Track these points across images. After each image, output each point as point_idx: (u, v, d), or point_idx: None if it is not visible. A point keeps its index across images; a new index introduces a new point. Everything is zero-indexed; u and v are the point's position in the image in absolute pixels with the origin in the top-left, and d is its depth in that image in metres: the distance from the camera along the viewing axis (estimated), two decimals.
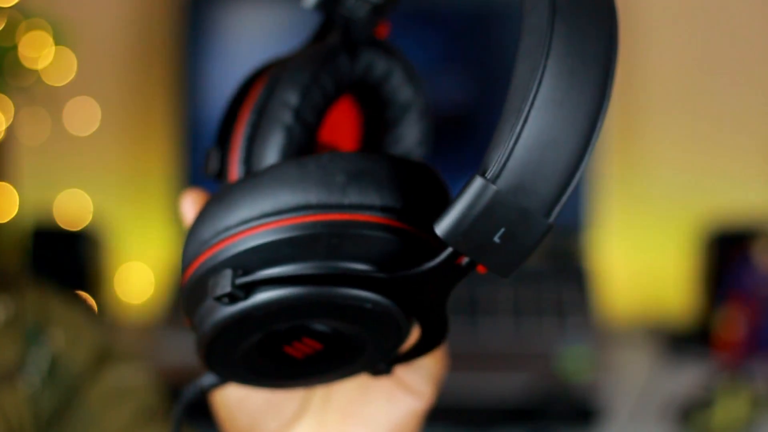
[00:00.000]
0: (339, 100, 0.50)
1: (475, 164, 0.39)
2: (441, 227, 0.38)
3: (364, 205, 0.41)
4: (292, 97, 0.47)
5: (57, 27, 1.35)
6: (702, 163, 1.57)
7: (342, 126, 0.52)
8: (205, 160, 0.49)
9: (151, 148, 1.57)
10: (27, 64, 1.34)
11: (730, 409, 1.29)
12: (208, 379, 0.49)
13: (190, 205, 0.49)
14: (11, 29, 1.32)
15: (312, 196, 0.41)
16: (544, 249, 1.51)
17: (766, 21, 1.56)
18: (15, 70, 1.33)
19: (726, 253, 1.47)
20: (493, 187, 0.37)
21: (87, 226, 1.50)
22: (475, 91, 1.50)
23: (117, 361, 0.82)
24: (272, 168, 0.43)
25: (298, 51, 0.50)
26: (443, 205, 0.42)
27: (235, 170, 0.48)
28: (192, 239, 0.43)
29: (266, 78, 0.49)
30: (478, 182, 0.37)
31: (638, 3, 1.55)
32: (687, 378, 1.38)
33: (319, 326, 0.44)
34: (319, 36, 0.52)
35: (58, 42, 1.35)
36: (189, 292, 0.43)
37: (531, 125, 0.37)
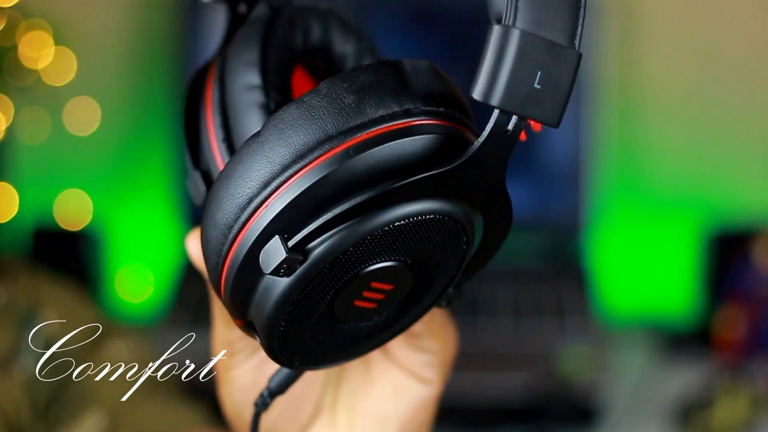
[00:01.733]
0: (294, 73, 0.47)
1: None
2: (479, 91, 0.36)
3: (385, 115, 0.39)
4: (253, 78, 0.44)
5: (57, 27, 1.35)
6: (702, 164, 1.57)
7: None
8: (191, 191, 0.46)
9: (151, 148, 1.57)
10: (27, 64, 1.34)
11: (730, 409, 1.29)
12: (275, 380, 0.46)
13: (196, 242, 0.46)
14: (11, 29, 1.32)
15: (329, 127, 0.38)
16: (544, 249, 1.51)
17: (766, 21, 1.56)
18: (15, 70, 1.33)
19: (726, 253, 1.47)
20: (516, 30, 0.36)
21: (87, 226, 1.50)
22: None
23: (113, 337, 0.82)
24: (269, 122, 0.39)
25: (229, 47, 0.47)
26: (454, 93, 0.40)
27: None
28: (213, 228, 0.39)
29: (210, 81, 0.46)
30: (498, 31, 0.36)
31: (638, 3, 1.55)
32: (687, 378, 1.38)
33: (387, 262, 0.40)
34: (232, 28, 0.49)
35: (58, 42, 1.35)
36: (234, 287, 0.40)
37: None
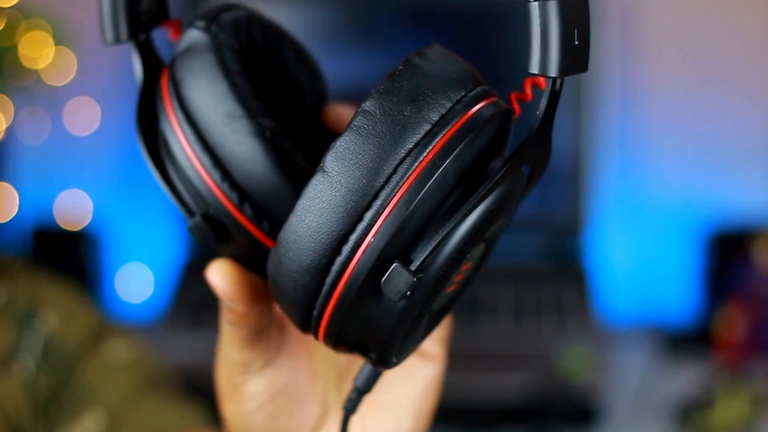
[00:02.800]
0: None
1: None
2: (535, 66, 0.38)
3: (445, 114, 0.39)
4: (234, 108, 0.43)
5: (57, 27, 1.35)
6: (702, 164, 1.57)
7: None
8: (197, 237, 0.45)
9: None
10: (27, 64, 1.34)
11: (730, 409, 1.29)
12: (360, 380, 0.46)
13: (218, 275, 0.45)
14: (11, 29, 1.32)
15: (403, 144, 0.39)
16: (544, 249, 1.51)
17: (766, 22, 1.56)
18: (15, 70, 1.33)
19: (726, 253, 1.47)
20: (552, 2, 0.37)
21: (87, 226, 1.50)
22: None
23: (113, 337, 0.82)
24: (331, 155, 0.39)
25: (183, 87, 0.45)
26: (470, 67, 0.41)
27: (253, 227, 0.43)
28: (301, 272, 0.39)
29: (173, 121, 0.46)
30: (536, 7, 0.38)
31: (638, 3, 1.55)
32: (687, 378, 1.38)
33: (479, 246, 0.42)
34: (149, 62, 0.48)
35: (58, 42, 1.35)
36: (346, 318, 0.40)
37: None
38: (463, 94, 0.40)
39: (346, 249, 0.39)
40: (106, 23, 0.48)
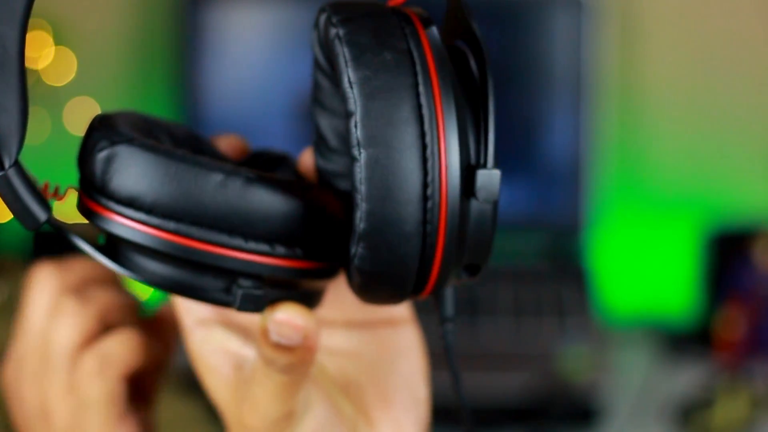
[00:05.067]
0: None
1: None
2: None
3: (408, 38, 0.43)
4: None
5: (57, 27, 1.35)
6: (702, 163, 1.57)
7: None
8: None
9: None
10: (27, 64, 1.33)
11: (730, 409, 1.29)
12: (448, 309, 0.48)
13: (296, 314, 0.44)
14: None
15: (408, 77, 0.42)
16: (544, 249, 1.51)
17: (766, 21, 1.56)
18: None
19: (726, 253, 1.47)
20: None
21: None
22: None
23: None
24: (362, 128, 0.41)
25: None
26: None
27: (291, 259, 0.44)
28: (400, 194, 0.41)
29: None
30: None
31: (638, 3, 1.55)
32: (687, 378, 1.38)
33: None
34: None
35: (58, 42, 1.35)
36: (457, 225, 0.42)
37: None
38: (399, 21, 0.43)
39: (431, 190, 0.40)
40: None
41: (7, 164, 0.41)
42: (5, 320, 0.77)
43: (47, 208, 0.43)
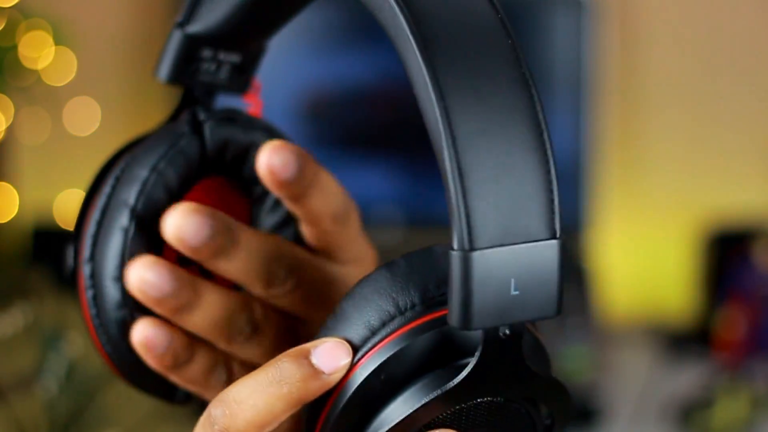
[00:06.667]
0: (201, 183, 0.47)
1: None
2: (455, 321, 0.32)
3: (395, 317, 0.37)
4: (130, 196, 0.45)
5: (57, 27, 1.35)
6: (702, 163, 1.57)
7: (218, 207, 0.45)
8: (65, 258, 0.47)
9: None
10: (27, 64, 1.34)
11: (730, 409, 1.29)
12: None
13: (336, 345, 0.38)
14: (11, 29, 1.32)
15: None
16: None
17: (766, 21, 1.56)
18: (15, 70, 1.33)
19: (726, 253, 1.47)
20: (473, 254, 0.32)
21: None
22: None
23: None
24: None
25: (152, 135, 0.47)
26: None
27: (82, 271, 0.46)
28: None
29: (117, 167, 0.47)
30: (456, 257, 0.32)
31: (638, 3, 1.55)
32: (687, 378, 1.38)
33: None
34: (180, 109, 0.49)
35: (58, 42, 1.35)
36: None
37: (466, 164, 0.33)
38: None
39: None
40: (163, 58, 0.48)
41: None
42: (31, 343, 0.77)
43: None
